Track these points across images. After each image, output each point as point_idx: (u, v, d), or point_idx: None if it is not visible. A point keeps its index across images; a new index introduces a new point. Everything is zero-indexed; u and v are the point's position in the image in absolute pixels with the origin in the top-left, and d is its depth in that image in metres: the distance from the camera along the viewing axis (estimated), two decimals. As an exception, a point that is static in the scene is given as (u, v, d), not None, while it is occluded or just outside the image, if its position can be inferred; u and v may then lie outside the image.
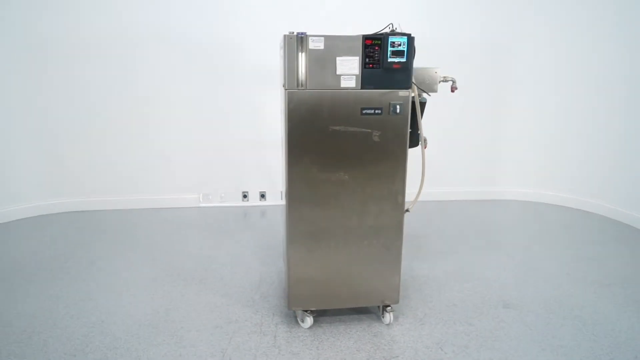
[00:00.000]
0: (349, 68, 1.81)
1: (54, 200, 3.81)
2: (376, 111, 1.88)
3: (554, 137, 4.01)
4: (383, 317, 2.16)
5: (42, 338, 2.04)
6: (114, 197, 3.90)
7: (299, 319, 2.16)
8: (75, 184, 3.83)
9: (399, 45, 1.80)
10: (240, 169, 3.97)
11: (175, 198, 3.97)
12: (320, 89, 1.83)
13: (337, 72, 1.81)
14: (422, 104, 2.08)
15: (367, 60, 1.81)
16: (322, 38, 1.77)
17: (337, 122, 1.88)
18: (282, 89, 1.96)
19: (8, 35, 3.42)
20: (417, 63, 1.99)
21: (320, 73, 1.81)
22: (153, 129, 3.81)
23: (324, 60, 1.80)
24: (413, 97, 1.96)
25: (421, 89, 2.03)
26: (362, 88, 1.85)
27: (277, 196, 4.05)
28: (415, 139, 2.08)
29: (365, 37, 1.79)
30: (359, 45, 1.80)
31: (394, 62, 1.82)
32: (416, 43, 1.92)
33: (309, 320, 2.11)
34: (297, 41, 1.77)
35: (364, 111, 1.88)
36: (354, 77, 1.83)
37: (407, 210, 2.10)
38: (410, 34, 1.81)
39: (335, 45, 1.79)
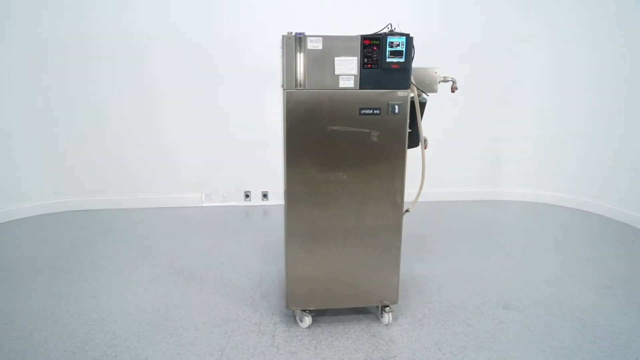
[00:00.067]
0: (347, 68, 1.82)
1: (56, 199, 3.84)
2: (375, 111, 1.89)
3: (554, 137, 4.00)
4: (382, 317, 2.17)
5: (43, 335, 2.05)
6: (116, 197, 3.92)
7: (297, 319, 2.17)
8: (77, 183, 3.85)
9: (398, 45, 1.81)
10: (242, 168, 3.98)
11: (178, 197, 3.99)
12: (318, 89, 1.84)
13: (336, 72, 1.82)
14: (422, 104, 2.08)
15: (365, 60, 1.82)
16: (321, 38, 1.78)
17: (335, 122, 1.89)
18: (281, 88, 1.97)
19: (10, 35, 3.44)
20: (417, 63, 1.99)
21: (319, 73, 1.82)
22: (156, 128, 3.83)
23: (322, 61, 1.80)
24: (412, 98, 1.96)
25: (420, 89, 2.04)
26: (360, 88, 1.86)
27: (279, 196, 4.06)
28: (415, 139, 2.08)
29: (364, 37, 1.80)
30: (357, 46, 1.80)
31: (392, 62, 1.83)
32: (416, 43, 1.93)
33: (308, 320, 2.12)
34: (295, 41, 1.78)
35: (363, 111, 1.88)
36: (353, 77, 1.84)
37: (407, 211, 2.10)
38: (408, 34, 1.82)
39: (334, 45, 1.79)
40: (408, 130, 1.97)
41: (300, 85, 1.83)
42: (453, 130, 4.05)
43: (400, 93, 1.88)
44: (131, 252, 2.98)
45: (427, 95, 2.09)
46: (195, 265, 2.79)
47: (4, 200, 3.59)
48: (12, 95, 3.53)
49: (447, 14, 3.78)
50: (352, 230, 2.02)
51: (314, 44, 1.78)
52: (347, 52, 1.80)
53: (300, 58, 1.79)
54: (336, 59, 1.80)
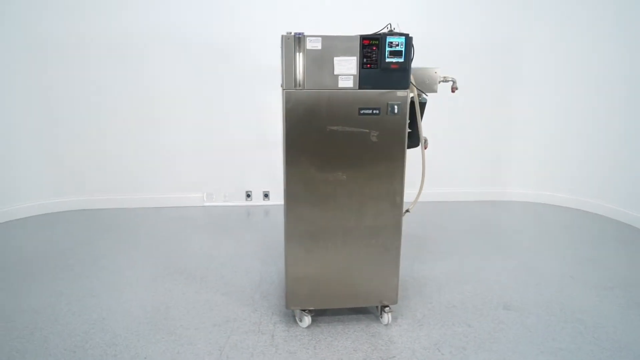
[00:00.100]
0: (346, 68, 1.82)
1: (58, 199, 3.84)
2: (374, 111, 1.89)
3: (554, 137, 4.00)
4: (381, 317, 2.17)
5: (44, 334, 2.06)
6: (118, 196, 3.92)
7: (297, 319, 2.17)
8: (78, 183, 3.86)
9: (397, 45, 1.81)
10: (244, 168, 3.99)
11: (180, 197, 3.99)
12: (318, 89, 1.84)
13: (335, 72, 1.82)
14: (422, 104, 2.08)
15: (364, 60, 1.82)
16: (320, 38, 1.78)
17: (334, 122, 1.89)
18: (280, 88, 1.97)
19: (10, 35, 3.45)
20: (417, 63, 1.99)
21: (318, 73, 1.82)
22: (157, 128, 3.83)
23: (321, 61, 1.81)
24: (412, 98, 1.96)
25: (419, 89, 2.04)
26: (359, 88, 1.86)
27: (280, 196, 4.06)
28: (415, 140, 2.08)
29: (363, 37, 1.80)
30: (356, 46, 1.80)
31: (391, 62, 1.83)
32: (416, 43, 1.93)
33: (307, 320, 2.12)
34: (294, 41, 1.78)
35: (362, 111, 1.88)
36: (352, 77, 1.84)
37: (408, 211, 2.10)
38: (408, 34, 1.82)
39: (333, 45, 1.79)
40: (408, 130, 1.97)
41: (299, 85, 1.83)
42: (453, 130, 4.05)
43: (400, 93, 1.88)
44: (132, 252, 2.99)
45: (427, 96, 2.09)
46: (196, 264, 2.80)
47: (4, 200, 3.59)
48: (12, 95, 3.54)
49: (447, 14, 3.78)
50: (351, 230, 2.02)
51: (313, 44, 1.78)
52: (347, 52, 1.80)
53: (300, 58, 1.80)
54: (335, 59, 1.81)
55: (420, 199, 2.32)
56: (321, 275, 2.06)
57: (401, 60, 1.83)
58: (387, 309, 2.14)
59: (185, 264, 2.81)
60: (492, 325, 2.17)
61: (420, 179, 2.16)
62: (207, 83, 3.78)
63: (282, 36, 1.78)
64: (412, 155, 2.19)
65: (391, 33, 1.82)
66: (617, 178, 3.68)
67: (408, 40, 1.81)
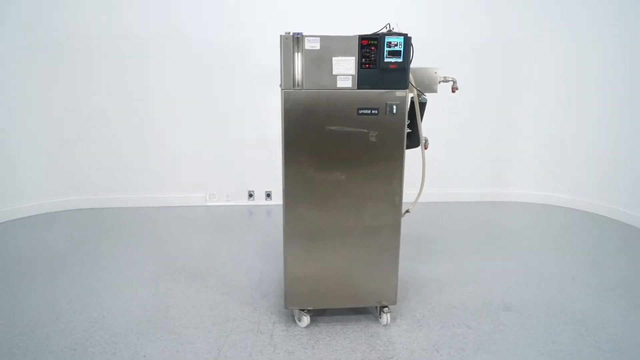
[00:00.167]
0: (345, 68, 1.82)
1: (58, 199, 3.85)
2: (373, 111, 1.89)
3: (554, 137, 4.00)
4: (380, 317, 2.17)
5: (45, 332, 2.07)
6: (120, 195, 3.93)
7: (296, 318, 2.17)
8: (79, 182, 3.87)
9: (396, 45, 1.81)
10: (246, 168, 3.99)
11: (182, 197, 4.00)
12: (316, 89, 1.84)
13: (334, 72, 1.82)
14: (422, 105, 2.07)
15: (363, 60, 1.82)
16: (318, 38, 1.78)
17: (333, 122, 1.89)
18: (279, 88, 1.97)
19: (10, 35, 3.46)
20: (417, 63, 1.99)
21: (317, 73, 1.82)
22: (160, 128, 3.84)
23: (320, 61, 1.81)
24: (412, 98, 1.96)
25: (418, 90, 2.04)
26: (358, 88, 1.86)
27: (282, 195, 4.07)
28: (415, 140, 2.08)
29: (362, 37, 1.80)
30: (355, 46, 1.80)
31: (390, 62, 1.83)
32: (416, 43, 1.93)
33: (306, 320, 2.12)
34: (293, 41, 1.78)
35: (361, 111, 1.89)
36: (350, 77, 1.84)
37: (408, 211, 2.10)
38: (406, 34, 1.82)
39: (332, 45, 1.79)
40: (408, 130, 1.97)
41: (298, 85, 1.83)
42: (453, 131, 4.05)
43: (399, 93, 1.88)
44: (132, 251, 2.99)
45: (426, 96, 2.08)
46: (196, 264, 2.80)
47: (4, 200, 3.60)
48: (12, 95, 3.55)
49: (447, 14, 3.78)
50: (350, 230, 2.02)
51: (311, 44, 1.78)
52: (345, 52, 1.81)
53: (298, 58, 1.80)
54: (334, 59, 1.81)
55: (420, 200, 2.31)
56: (320, 275, 2.06)
57: (400, 60, 1.83)
58: (386, 309, 2.14)
59: (185, 263, 2.81)
60: (492, 326, 2.16)
61: (421, 179, 2.16)
62: (209, 83, 3.78)
63: (281, 36, 1.78)
64: (412, 155, 2.19)
65: (390, 33, 1.82)
66: (617, 178, 3.67)
67: (407, 40, 1.81)
